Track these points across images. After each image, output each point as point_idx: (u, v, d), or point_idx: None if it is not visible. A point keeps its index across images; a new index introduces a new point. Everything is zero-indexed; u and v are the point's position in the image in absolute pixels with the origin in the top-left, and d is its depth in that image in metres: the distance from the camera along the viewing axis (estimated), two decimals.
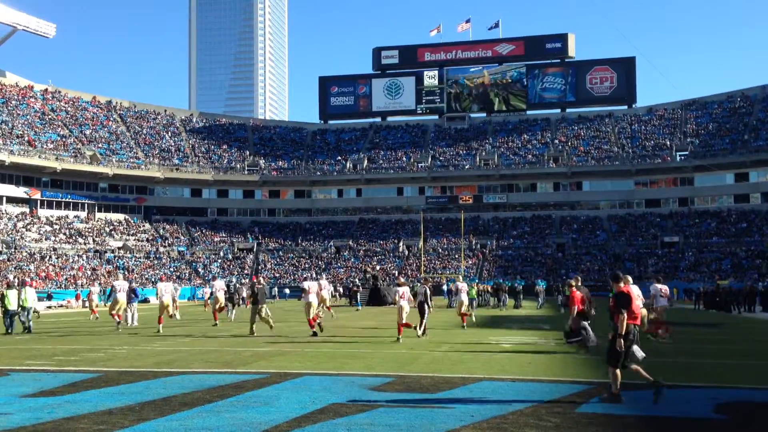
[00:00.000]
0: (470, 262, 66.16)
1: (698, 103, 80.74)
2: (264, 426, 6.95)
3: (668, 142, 74.30)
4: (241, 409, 7.80)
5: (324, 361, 12.53)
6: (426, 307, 17.68)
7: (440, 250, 69.34)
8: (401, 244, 71.16)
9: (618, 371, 8.31)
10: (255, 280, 20.78)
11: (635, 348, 8.34)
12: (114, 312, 21.27)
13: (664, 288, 17.31)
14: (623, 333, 8.21)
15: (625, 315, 8.19)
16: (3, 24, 71.14)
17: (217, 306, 23.59)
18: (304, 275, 54.22)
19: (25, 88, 75.86)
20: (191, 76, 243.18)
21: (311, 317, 18.02)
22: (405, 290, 17.28)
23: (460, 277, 36.56)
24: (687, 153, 72.11)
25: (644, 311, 14.87)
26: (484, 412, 7.55)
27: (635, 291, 14.18)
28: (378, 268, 62.52)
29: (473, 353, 13.80)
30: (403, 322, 16.70)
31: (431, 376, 10.44)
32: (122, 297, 21.58)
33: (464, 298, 20.16)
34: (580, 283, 15.86)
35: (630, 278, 15.70)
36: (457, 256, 65.63)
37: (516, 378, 10.17)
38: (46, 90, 78.19)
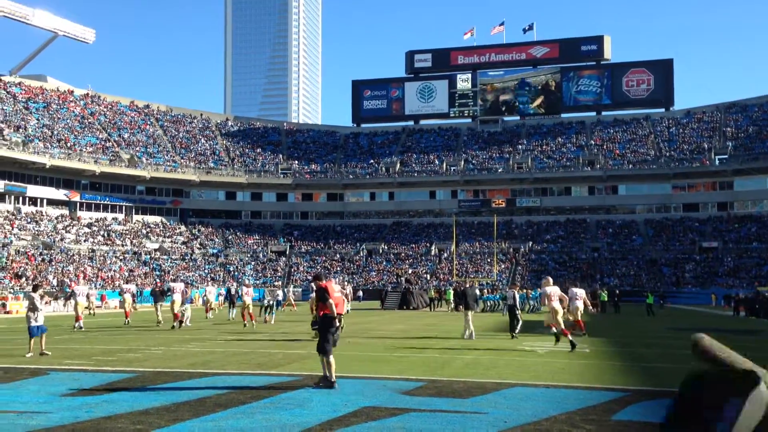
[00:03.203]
0: (503, 267, 65.68)
1: (738, 106, 79.03)
2: (297, 428, 6.98)
3: (707, 146, 72.85)
4: (274, 411, 7.86)
5: (356, 364, 12.55)
6: (516, 310, 19.38)
7: (472, 254, 68.99)
8: (433, 247, 70.97)
9: (332, 359, 9.47)
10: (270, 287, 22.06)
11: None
12: (177, 311, 22.79)
13: (580, 291, 19.18)
14: (330, 322, 9.51)
15: (330, 305, 9.64)
16: (45, 30, 72.95)
17: (246, 310, 23.96)
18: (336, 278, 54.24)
19: (66, 92, 77.61)
20: (226, 80, 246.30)
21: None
22: (581, 293, 18.62)
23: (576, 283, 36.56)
24: (726, 156, 70.61)
25: (557, 306, 16.42)
26: (518, 419, 7.48)
27: (552, 290, 16.53)
28: (410, 271, 62.48)
29: (506, 359, 13.69)
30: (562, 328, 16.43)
31: (463, 381, 10.38)
32: (178, 297, 23.06)
33: (579, 304, 19.04)
34: (551, 284, 17.23)
35: (551, 279, 17.74)
36: (489, 261, 65.21)
37: (549, 384, 10.06)
38: (86, 94, 79.88)
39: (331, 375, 9.53)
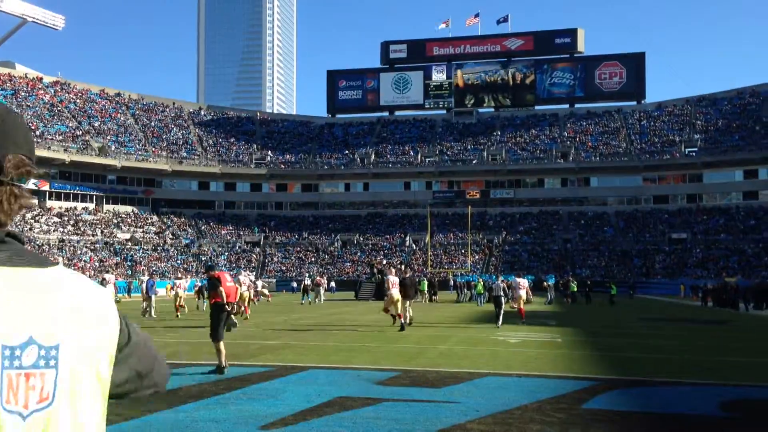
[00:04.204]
0: (477, 258, 66.12)
1: (708, 100, 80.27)
2: (270, 419, 6.99)
3: (677, 139, 73.95)
4: (247, 402, 7.85)
5: (330, 354, 12.58)
6: (501, 300, 20.26)
7: (447, 245, 69.33)
8: (408, 238, 71.16)
9: (221, 345, 9.93)
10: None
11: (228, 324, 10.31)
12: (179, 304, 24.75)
13: (523, 281, 21.61)
14: (220, 309, 10.08)
15: (220, 293, 10.24)
16: (12, 15, 71.35)
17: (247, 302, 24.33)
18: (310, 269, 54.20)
19: (34, 79, 76.12)
20: (200, 69, 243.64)
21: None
22: (395, 280, 19.02)
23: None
24: (696, 149, 71.76)
25: (395, 294, 18.38)
26: (489, 407, 7.57)
27: (393, 279, 18.86)
28: (384, 262, 62.59)
29: (479, 349, 13.82)
30: (398, 312, 18.38)
31: (437, 370, 10.46)
32: (181, 292, 25.53)
33: (522, 293, 21.37)
34: (394, 273, 19.79)
35: (393, 270, 21.04)
36: (463, 252, 65.60)
37: (521, 373, 10.19)
38: (56, 82, 78.44)
39: (221, 361, 9.91)
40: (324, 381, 9.35)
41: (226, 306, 10.45)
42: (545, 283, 39.70)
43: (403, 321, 18.10)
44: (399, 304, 18.34)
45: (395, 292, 18.24)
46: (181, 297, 25.49)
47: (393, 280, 18.87)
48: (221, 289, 10.45)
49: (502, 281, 21.94)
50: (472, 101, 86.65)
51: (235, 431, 6.50)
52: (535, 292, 41.68)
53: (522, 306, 20.92)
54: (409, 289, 19.87)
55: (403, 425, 6.71)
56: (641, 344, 15.26)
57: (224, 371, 9.86)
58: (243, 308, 23.38)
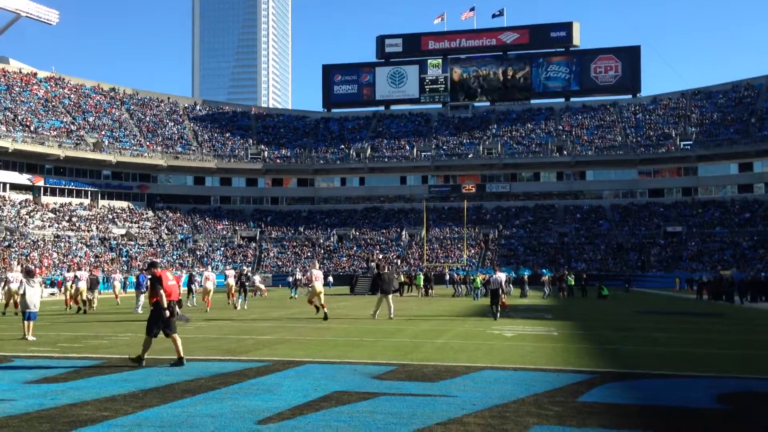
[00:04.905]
0: (473, 252, 66.18)
1: (703, 93, 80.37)
2: (266, 413, 6.97)
3: (672, 132, 74.05)
4: (243, 397, 7.83)
5: (326, 349, 12.57)
6: (500, 294, 20.73)
7: (443, 239, 69.37)
8: (404, 233, 71.18)
9: (150, 342, 10.33)
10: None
11: (174, 320, 10.52)
12: (209, 299, 24.31)
13: (501, 275, 22.08)
14: (163, 307, 10.28)
15: (160, 293, 10.32)
16: (6, 10, 70.96)
17: (233, 293, 26.26)
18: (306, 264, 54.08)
19: (29, 74, 75.78)
20: (194, 63, 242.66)
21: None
22: (319, 274, 20.64)
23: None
24: (691, 142, 71.89)
25: (318, 287, 19.87)
26: (486, 401, 7.57)
27: (317, 273, 20.33)
28: (381, 257, 62.58)
29: (475, 342, 13.83)
30: (322, 303, 19.78)
31: (433, 364, 10.46)
32: (210, 285, 24.88)
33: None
34: (317, 267, 21.50)
35: (317, 263, 24.25)
36: (459, 246, 65.65)
37: (518, 367, 10.19)
38: (50, 77, 78.09)
39: (142, 353, 10.36)
40: (320, 375, 9.34)
41: (169, 304, 10.49)
42: (543, 278, 39.77)
43: (326, 311, 19.53)
44: (322, 296, 19.85)
45: (318, 285, 19.91)
46: (231, 287, 27.10)
47: (316, 273, 20.35)
48: (161, 289, 10.42)
49: (504, 275, 22.74)
50: (467, 95, 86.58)
51: (232, 426, 6.48)
52: (532, 286, 41.83)
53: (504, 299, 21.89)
54: (386, 284, 20.63)
55: (400, 419, 6.70)
56: (637, 337, 15.29)
57: (142, 364, 10.20)
58: (206, 302, 24.56)
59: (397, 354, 11.78)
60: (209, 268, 41.05)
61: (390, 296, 20.35)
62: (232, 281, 26.55)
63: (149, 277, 10.97)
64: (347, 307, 26.46)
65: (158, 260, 57.76)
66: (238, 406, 7.30)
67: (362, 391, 8.10)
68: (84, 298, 24.10)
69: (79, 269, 36.55)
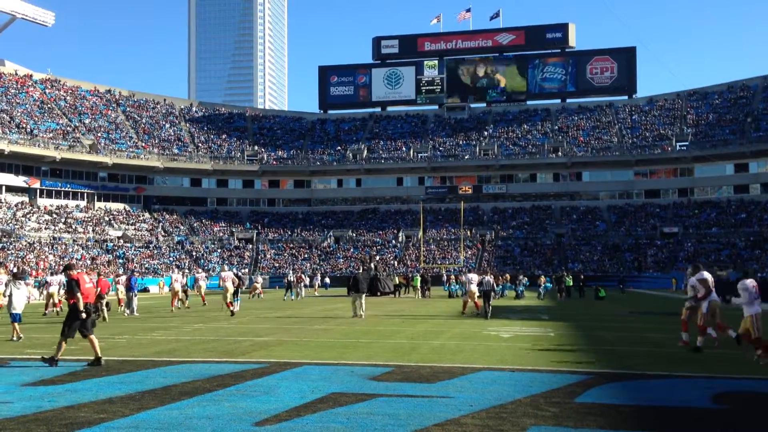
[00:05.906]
0: (469, 253, 66.22)
1: (699, 94, 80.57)
2: (264, 415, 6.98)
3: (668, 133, 74.21)
4: (240, 399, 7.84)
5: (323, 350, 12.58)
6: (492, 296, 21.52)
7: (439, 241, 69.40)
8: (401, 234, 71.19)
9: (64, 344, 10.62)
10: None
11: (89, 322, 10.71)
12: (228, 301, 23.13)
13: (474, 276, 23.09)
14: (81, 309, 10.51)
15: (76, 296, 10.55)
16: (2, 12, 70.85)
17: (228, 296, 24.53)
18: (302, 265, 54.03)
19: (24, 76, 75.62)
20: (190, 65, 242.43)
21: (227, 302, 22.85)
22: (229, 274, 23.20)
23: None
24: (687, 143, 72.04)
25: (476, 290, 21.53)
26: (483, 402, 7.59)
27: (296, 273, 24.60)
28: (377, 258, 62.60)
29: (472, 343, 13.85)
30: (228, 301, 22.45)
31: (430, 366, 10.48)
32: (230, 285, 23.63)
33: (474, 288, 22.55)
34: (225, 270, 24.64)
35: (226, 267, 27.11)
36: (456, 247, 65.69)
37: (515, 368, 10.21)
38: (46, 79, 77.94)
39: (56, 354, 10.59)
40: (317, 377, 9.35)
41: (86, 306, 10.73)
42: (541, 279, 39.91)
43: (233, 309, 22.22)
44: (229, 294, 22.48)
45: (229, 285, 22.62)
46: (229, 291, 26.03)
47: (224, 275, 23.02)
48: (78, 292, 10.62)
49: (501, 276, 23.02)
50: (463, 96, 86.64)
51: (229, 428, 6.49)
52: (529, 288, 41.90)
53: (476, 300, 22.32)
54: (360, 284, 21.73)
55: (397, 420, 6.71)
56: (633, 338, 15.33)
57: (56, 364, 10.43)
58: (171, 302, 25.65)
59: (395, 355, 11.79)
60: (225, 267, 40.78)
61: (363, 296, 21.51)
62: (229, 285, 24.06)
63: (66, 279, 11.20)
64: (344, 309, 26.46)
65: (74, 264, 57.95)
66: (235, 408, 7.31)
67: (359, 393, 8.12)
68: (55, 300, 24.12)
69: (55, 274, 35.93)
